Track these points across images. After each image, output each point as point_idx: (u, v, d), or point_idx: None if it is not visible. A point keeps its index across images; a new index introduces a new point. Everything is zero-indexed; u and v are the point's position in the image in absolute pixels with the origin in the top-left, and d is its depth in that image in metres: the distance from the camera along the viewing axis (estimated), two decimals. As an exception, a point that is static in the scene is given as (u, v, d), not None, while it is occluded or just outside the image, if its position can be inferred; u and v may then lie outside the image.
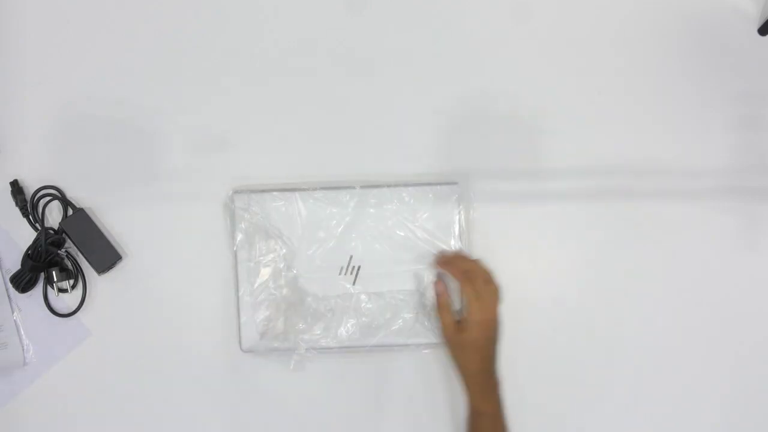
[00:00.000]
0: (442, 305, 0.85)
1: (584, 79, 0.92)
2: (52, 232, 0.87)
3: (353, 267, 0.86)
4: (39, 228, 0.87)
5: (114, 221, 0.89)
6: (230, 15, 0.91)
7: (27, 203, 0.87)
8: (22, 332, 0.88)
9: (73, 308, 0.88)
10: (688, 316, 0.90)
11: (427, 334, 0.87)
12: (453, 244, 0.87)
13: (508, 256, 0.90)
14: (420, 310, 0.87)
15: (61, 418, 0.88)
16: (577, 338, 0.90)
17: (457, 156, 0.91)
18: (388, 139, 0.91)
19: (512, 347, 0.87)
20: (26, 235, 0.87)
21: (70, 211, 0.88)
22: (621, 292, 0.90)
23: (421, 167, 0.90)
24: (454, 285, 0.86)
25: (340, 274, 0.87)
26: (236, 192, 0.87)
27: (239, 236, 0.86)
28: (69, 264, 0.88)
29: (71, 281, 0.88)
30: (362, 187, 0.87)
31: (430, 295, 0.86)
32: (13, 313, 0.88)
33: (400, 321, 0.86)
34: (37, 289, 0.88)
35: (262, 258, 0.87)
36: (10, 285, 0.87)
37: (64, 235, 0.87)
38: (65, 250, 0.88)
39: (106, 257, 0.88)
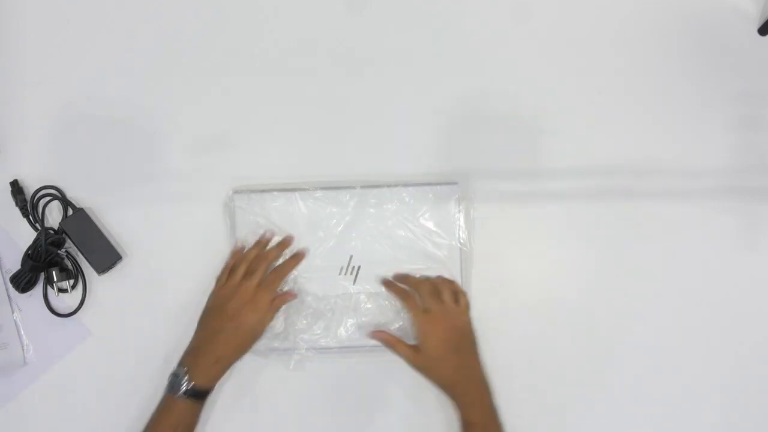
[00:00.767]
0: (392, 343, 0.83)
1: (584, 79, 0.92)
2: (52, 232, 0.87)
3: (353, 267, 0.87)
4: (39, 228, 0.87)
5: (114, 221, 0.89)
6: (230, 15, 0.91)
7: (27, 203, 0.87)
8: (22, 332, 0.88)
9: (73, 308, 0.88)
10: (688, 316, 0.90)
11: None
12: (452, 244, 0.87)
13: (508, 256, 0.90)
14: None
15: (61, 418, 0.88)
16: (577, 338, 0.90)
17: (457, 156, 0.91)
18: (388, 139, 0.91)
19: (512, 347, 0.88)
20: (26, 235, 0.87)
21: (70, 211, 0.88)
22: (621, 292, 0.90)
23: (421, 167, 0.90)
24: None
25: (340, 273, 0.87)
26: (236, 192, 0.87)
27: (239, 236, 0.86)
28: (69, 264, 0.88)
29: (71, 281, 0.88)
30: (362, 187, 0.87)
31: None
32: (13, 313, 0.88)
33: (400, 321, 0.86)
34: (37, 289, 0.88)
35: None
36: (10, 285, 0.87)
37: (64, 235, 0.87)
38: (65, 250, 0.88)
39: (106, 257, 0.88)
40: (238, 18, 0.91)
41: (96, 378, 0.88)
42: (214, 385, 0.81)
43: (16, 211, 0.88)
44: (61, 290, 0.88)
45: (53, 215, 0.89)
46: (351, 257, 0.87)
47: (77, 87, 0.90)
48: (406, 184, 0.88)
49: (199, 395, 0.79)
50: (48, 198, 0.88)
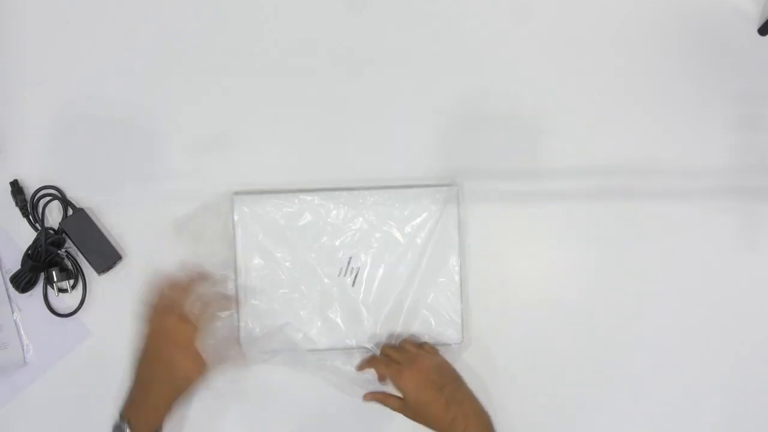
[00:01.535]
0: (382, 400, 0.83)
1: (584, 79, 0.92)
2: (52, 232, 0.87)
3: (352, 269, 0.87)
4: (39, 228, 0.87)
5: (114, 221, 0.89)
6: (230, 15, 0.91)
7: (27, 203, 0.87)
8: (22, 332, 0.88)
9: (73, 308, 0.88)
10: (688, 316, 0.90)
11: (428, 335, 0.87)
12: (451, 244, 0.87)
13: (508, 256, 0.90)
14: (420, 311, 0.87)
15: (61, 418, 0.88)
16: (577, 338, 0.90)
17: (458, 156, 0.91)
18: (389, 139, 0.91)
19: (512, 347, 0.88)
20: (26, 235, 0.87)
21: (70, 211, 0.88)
22: (621, 292, 0.90)
23: (421, 167, 0.90)
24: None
25: (339, 275, 0.87)
26: (237, 194, 0.87)
27: (240, 238, 0.86)
28: (69, 264, 0.88)
29: (71, 281, 0.88)
30: (362, 189, 0.87)
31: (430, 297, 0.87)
32: (13, 313, 0.88)
33: (400, 321, 0.87)
34: (37, 289, 0.88)
35: (262, 260, 0.87)
36: (10, 285, 0.87)
37: (64, 235, 0.87)
38: (65, 250, 0.88)
39: (106, 257, 0.88)
40: (238, 18, 0.91)
41: (96, 378, 0.88)
42: (161, 427, 0.78)
43: (16, 211, 0.88)
44: (61, 290, 0.88)
45: (53, 215, 0.89)
46: (350, 259, 0.87)
47: (77, 87, 0.90)
48: (405, 186, 0.88)
49: None
50: (48, 198, 0.88)
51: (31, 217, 0.87)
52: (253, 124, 0.91)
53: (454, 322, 0.87)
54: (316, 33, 0.92)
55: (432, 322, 0.87)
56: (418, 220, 0.87)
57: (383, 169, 0.90)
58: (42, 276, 0.87)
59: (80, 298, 0.88)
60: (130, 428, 0.76)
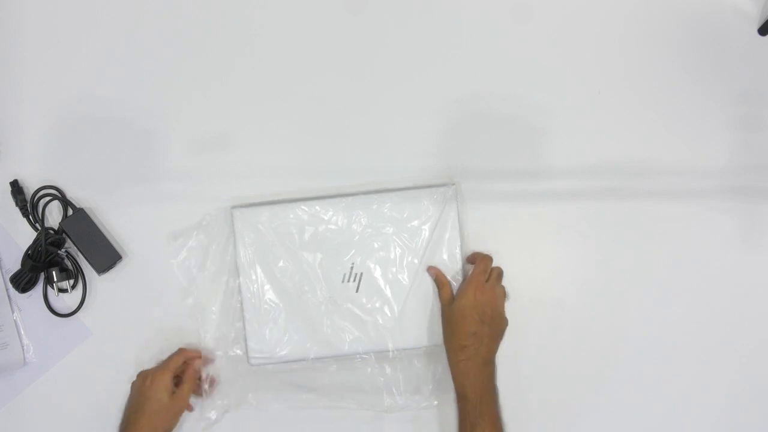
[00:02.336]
0: (441, 282, 0.86)
1: (584, 79, 0.92)
2: (52, 232, 0.87)
3: (356, 274, 0.86)
4: (39, 228, 0.87)
5: (114, 221, 0.89)
6: (230, 15, 0.91)
7: (27, 203, 0.87)
8: (22, 332, 0.88)
9: (73, 308, 0.88)
10: (688, 316, 0.90)
11: (432, 337, 0.87)
12: (452, 245, 0.87)
13: (507, 256, 0.90)
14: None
15: (61, 418, 0.88)
16: (577, 338, 0.90)
17: (457, 156, 0.91)
18: (388, 138, 0.91)
19: (512, 347, 0.87)
20: (26, 235, 0.87)
21: (70, 211, 0.88)
22: (621, 292, 0.90)
23: (421, 167, 0.90)
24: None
25: (342, 282, 0.87)
26: (235, 208, 0.87)
27: (241, 253, 0.86)
28: (69, 264, 0.88)
29: (71, 281, 0.88)
30: (361, 193, 0.87)
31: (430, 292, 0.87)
32: (13, 313, 0.88)
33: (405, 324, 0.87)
34: (37, 289, 0.88)
35: (264, 273, 0.86)
36: (10, 285, 0.87)
37: (64, 235, 0.87)
38: (65, 250, 0.88)
39: (106, 257, 0.88)
40: (237, 18, 0.91)
41: (96, 378, 0.88)
42: None
43: (16, 211, 0.88)
44: (61, 290, 0.88)
45: (53, 215, 0.89)
46: (353, 265, 0.86)
47: (77, 87, 0.90)
48: (404, 188, 0.88)
49: None
50: (48, 198, 0.88)
51: (31, 217, 0.87)
52: (253, 124, 0.91)
53: None
54: (316, 33, 0.92)
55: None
56: (417, 221, 0.87)
57: (383, 168, 0.90)
58: (42, 276, 0.87)
59: (80, 298, 0.88)
60: None
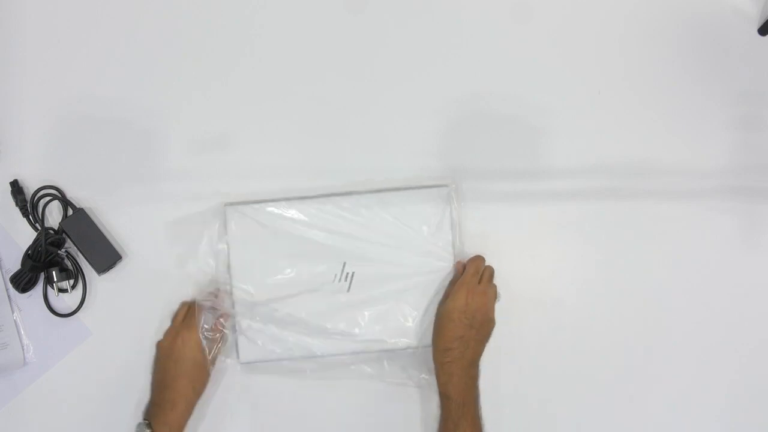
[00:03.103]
0: (455, 280, 0.86)
1: (585, 79, 0.92)
2: (52, 232, 0.87)
3: (347, 274, 0.86)
4: (39, 228, 0.87)
5: (114, 221, 0.89)
6: (230, 15, 0.91)
7: (27, 203, 0.87)
8: (22, 332, 0.88)
9: (73, 308, 0.88)
10: (689, 316, 0.90)
11: (423, 338, 0.87)
12: (447, 247, 0.87)
13: (507, 256, 0.90)
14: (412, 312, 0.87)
15: (61, 418, 0.88)
16: (577, 338, 0.90)
17: (457, 155, 0.91)
18: (388, 137, 0.91)
19: (511, 347, 0.88)
20: (26, 235, 0.87)
21: (70, 211, 0.88)
22: (621, 292, 0.90)
23: (420, 166, 0.90)
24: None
25: (334, 281, 0.86)
26: (228, 205, 0.87)
27: (234, 250, 0.86)
28: (69, 264, 0.88)
29: (71, 281, 0.88)
30: (355, 193, 0.87)
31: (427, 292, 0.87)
32: (13, 313, 0.88)
33: (395, 325, 0.87)
34: (37, 289, 0.88)
35: (256, 270, 0.86)
36: (10, 285, 0.87)
37: (64, 235, 0.87)
38: (65, 250, 0.88)
39: (106, 257, 0.88)
40: (237, 18, 0.91)
41: (96, 378, 0.88)
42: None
43: (16, 211, 0.88)
44: (61, 290, 0.88)
45: (53, 215, 0.89)
46: (344, 264, 0.86)
47: (77, 87, 0.90)
48: (398, 188, 0.88)
49: None
50: (48, 198, 0.88)
51: (31, 217, 0.87)
52: (253, 123, 0.91)
53: None
54: (316, 33, 0.92)
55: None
56: (413, 222, 0.86)
57: (383, 168, 0.90)
58: (42, 276, 0.87)
59: (80, 298, 0.88)
60: (151, 429, 0.79)
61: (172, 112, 0.90)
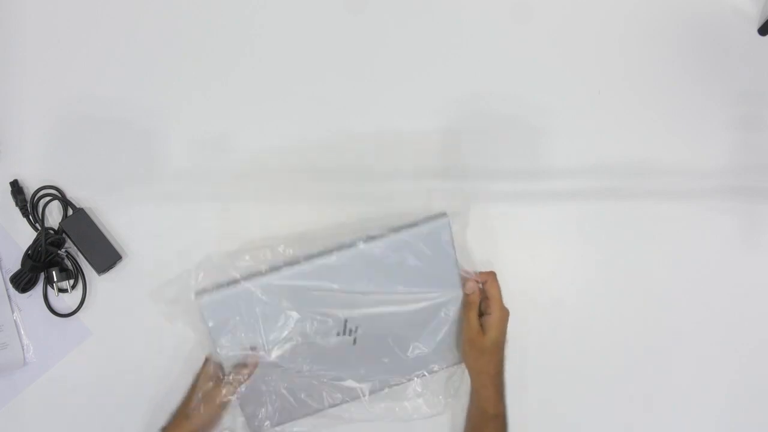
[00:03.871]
0: (471, 303, 0.83)
1: (585, 79, 0.92)
2: (52, 232, 0.87)
3: (350, 329, 0.83)
4: (39, 228, 0.87)
5: (114, 221, 0.89)
6: (230, 15, 0.91)
7: (27, 203, 0.87)
8: (22, 332, 0.88)
9: (73, 308, 0.88)
10: (688, 316, 0.90)
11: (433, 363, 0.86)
12: (449, 274, 0.83)
13: (507, 256, 0.90)
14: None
15: (61, 418, 0.88)
16: (577, 338, 0.90)
17: (458, 155, 0.91)
18: (388, 139, 0.91)
19: (512, 347, 0.87)
20: (26, 235, 0.87)
21: (70, 211, 0.88)
22: (621, 292, 0.90)
23: (421, 166, 0.90)
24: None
25: (339, 335, 0.83)
26: (199, 294, 0.80)
27: (219, 343, 0.81)
28: (69, 264, 0.88)
29: (71, 281, 0.88)
30: (345, 248, 0.82)
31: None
32: (13, 313, 0.88)
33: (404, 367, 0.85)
34: (37, 289, 0.88)
35: (249, 352, 0.83)
36: (10, 285, 0.87)
37: (64, 235, 0.87)
38: (65, 250, 0.88)
39: (106, 257, 0.88)
40: (237, 18, 0.91)
41: (96, 378, 0.88)
42: None
43: (16, 211, 0.88)
44: (61, 290, 0.88)
45: (53, 215, 0.89)
46: (346, 321, 0.82)
47: (77, 87, 0.90)
48: (393, 230, 0.82)
49: None
50: (48, 198, 0.88)
51: (31, 217, 0.87)
52: (253, 124, 0.91)
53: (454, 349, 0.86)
54: (316, 33, 0.92)
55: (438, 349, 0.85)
56: (410, 261, 0.82)
57: (381, 165, 0.90)
58: (42, 276, 0.87)
59: (80, 298, 0.88)
60: None
61: (172, 112, 0.90)
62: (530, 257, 0.91)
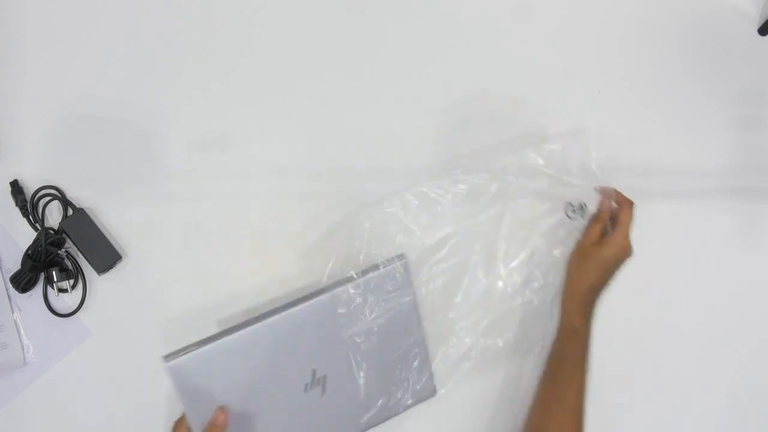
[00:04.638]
0: (599, 216, 0.84)
1: (585, 79, 0.92)
2: (52, 232, 0.87)
3: (318, 379, 0.81)
4: (39, 228, 0.87)
5: (114, 221, 0.89)
6: (230, 15, 0.91)
7: (27, 203, 0.87)
8: (22, 332, 0.88)
9: (73, 308, 0.88)
10: (688, 316, 0.90)
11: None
12: (413, 317, 0.83)
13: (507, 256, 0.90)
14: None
15: (61, 418, 0.88)
16: (577, 338, 0.90)
17: (457, 155, 0.91)
18: (388, 139, 0.91)
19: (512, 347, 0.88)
20: (26, 235, 0.87)
21: (70, 211, 0.88)
22: (620, 292, 0.90)
23: (421, 167, 0.90)
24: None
25: (306, 391, 0.81)
26: (168, 357, 0.77)
27: (187, 406, 0.78)
28: (69, 264, 0.88)
29: (71, 281, 0.88)
30: (308, 299, 0.80)
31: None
32: (13, 313, 0.88)
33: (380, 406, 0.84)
34: (37, 289, 0.88)
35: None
36: (10, 285, 0.87)
37: (64, 235, 0.87)
38: (65, 250, 0.88)
39: (106, 257, 0.88)
40: (237, 18, 0.91)
41: (96, 378, 0.88)
42: None
43: (16, 211, 0.88)
44: (61, 290, 0.88)
45: (53, 215, 0.89)
46: (314, 371, 0.81)
47: (77, 87, 0.90)
48: (351, 280, 0.81)
49: None
50: (48, 198, 0.88)
51: (31, 217, 0.87)
52: (253, 124, 0.91)
53: (428, 377, 0.85)
54: (316, 33, 0.92)
55: (409, 385, 0.85)
56: (376, 307, 0.81)
57: (381, 163, 0.90)
58: (42, 276, 0.87)
59: (80, 298, 0.88)
60: None
61: (172, 112, 0.90)
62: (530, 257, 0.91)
